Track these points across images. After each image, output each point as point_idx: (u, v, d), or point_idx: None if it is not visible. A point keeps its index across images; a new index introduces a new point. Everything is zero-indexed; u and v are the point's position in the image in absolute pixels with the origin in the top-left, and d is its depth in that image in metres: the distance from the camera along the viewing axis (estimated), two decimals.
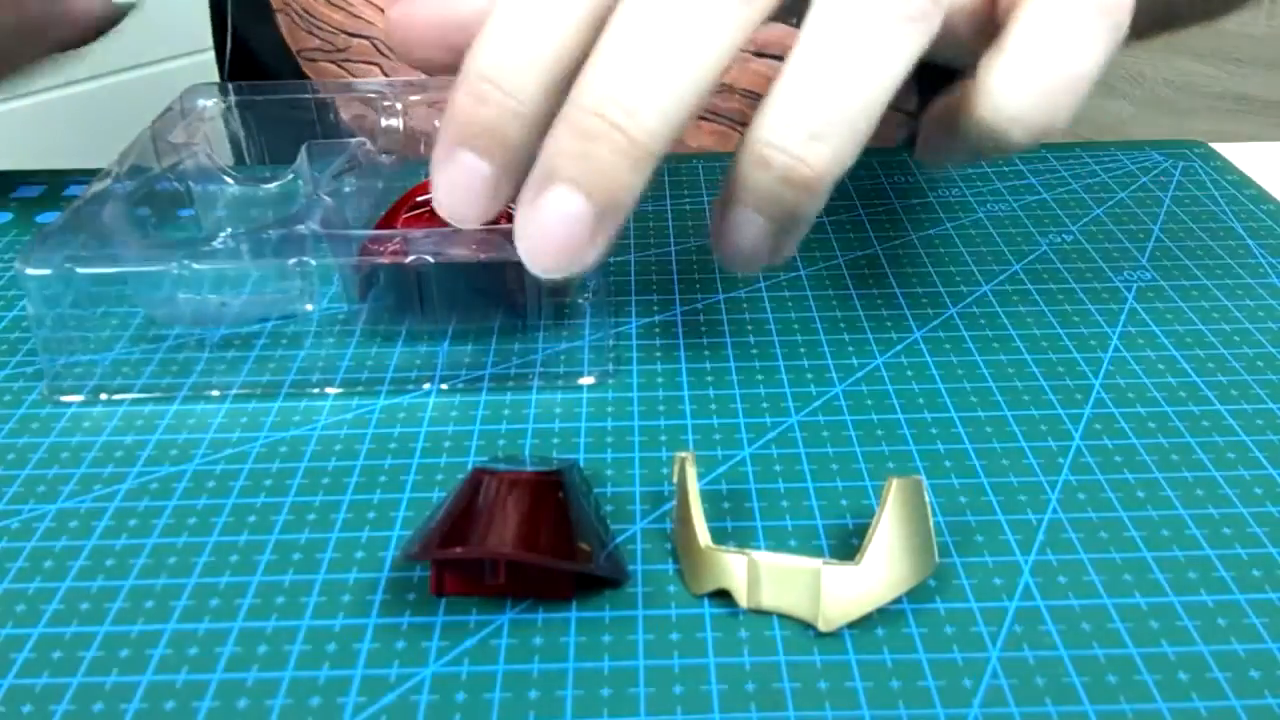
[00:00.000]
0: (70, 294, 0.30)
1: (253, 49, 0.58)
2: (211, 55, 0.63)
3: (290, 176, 0.36)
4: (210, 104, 0.39)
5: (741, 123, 0.51)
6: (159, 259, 0.29)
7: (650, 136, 0.23)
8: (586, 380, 0.31)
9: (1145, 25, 0.48)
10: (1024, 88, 0.25)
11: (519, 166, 0.26)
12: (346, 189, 0.36)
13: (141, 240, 0.31)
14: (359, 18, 0.52)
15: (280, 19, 0.55)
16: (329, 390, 0.31)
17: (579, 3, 0.25)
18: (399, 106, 0.38)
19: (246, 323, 0.33)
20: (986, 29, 0.27)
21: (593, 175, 0.24)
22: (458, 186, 0.26)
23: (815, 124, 0.24)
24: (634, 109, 0.23)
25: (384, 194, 0.38)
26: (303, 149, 0.36)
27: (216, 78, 0.63)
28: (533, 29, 0.25)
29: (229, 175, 0.37)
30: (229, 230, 0.30)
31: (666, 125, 0.24)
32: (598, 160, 0.23)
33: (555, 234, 0.24)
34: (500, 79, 0.25)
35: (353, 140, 0.36)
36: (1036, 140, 0.26)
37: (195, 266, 0.29)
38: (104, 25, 0.34)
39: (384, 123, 0.38)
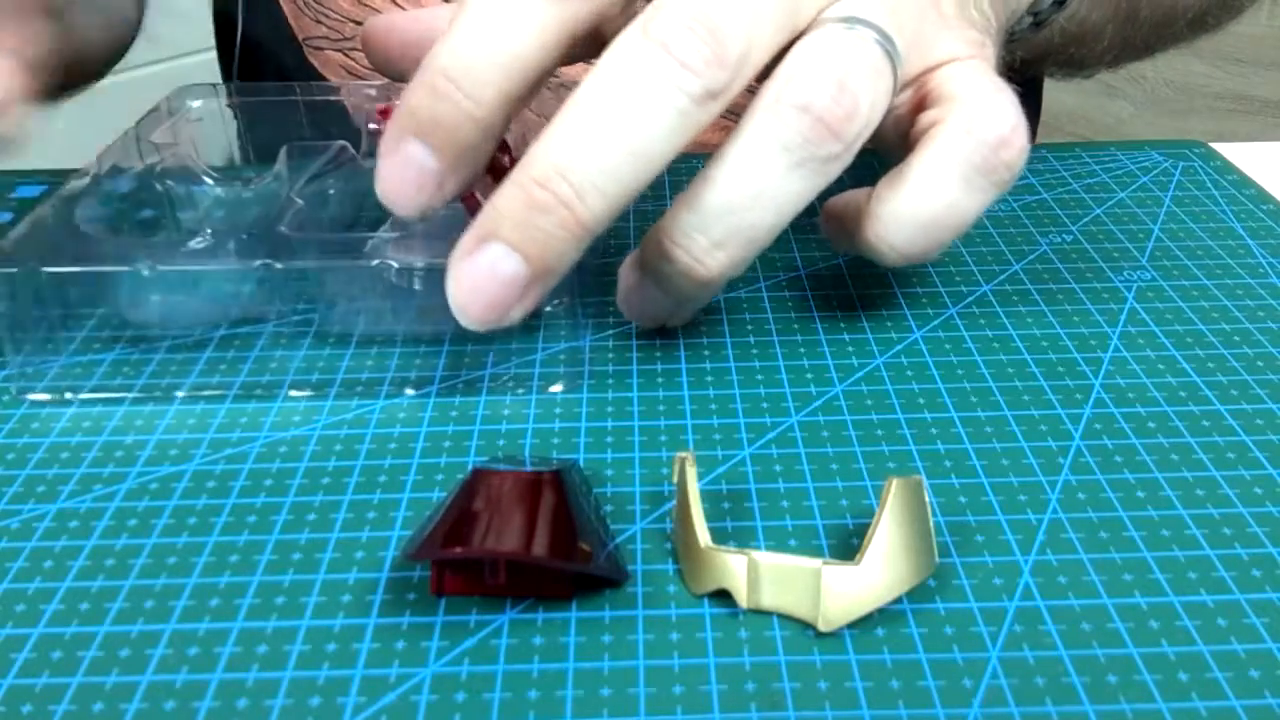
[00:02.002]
0: (43, 293, 0.30)
1: (258, 38, 0.58)
2: (213, 55, 0.63)
3: (271, 178, 0.36)
4: (198, 104, 0.39)
5: None
6: (126, 259, 0.28)
7: (593, 218, 0.25)
8: (556, 388, 0.31)
9: (1112, 60, 0.48)
10: (907, 226, 0.28)
11: (466, 166, 0.27)
12: (331, 191, 0.36)
13: (114, 240, 0.31)
14: (367, 6, 0.52)
15: (285, 6, 0.55)
16: (328, 391, 0.31)
17: (549, 18, 0.26)
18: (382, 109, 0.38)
19: (216, 324, 0.33)
20: (908, 138, 0.30)
21: (532, 243, 0.25)
22: (401, 176, 0.26)
23: (718, 235, 0.27)
24: (582, 190, 0.25)
25: (366, 196, 0.38)
26: (282, 150, 0.36)
27: (218, 77, 0.63)
28: (500, 35, 0.26)
29: (210, 176, 0.37)
30: (207, 231, 0.30)
31: (610, 208, 0.25)
32: (539, 231, 0.25)
33: (487, 290, 0.25)
34: (460, 80, 0.25)
35: (334, 143, 0.36)
36: (909, 264, 0.30)
37: (161, 268, 0.28)
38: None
39: (369, 126, 0.38)
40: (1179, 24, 0.47)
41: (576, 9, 0.26)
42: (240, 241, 0.29)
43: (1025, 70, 0.55)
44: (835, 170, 0.27)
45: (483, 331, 0.26)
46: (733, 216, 0.27)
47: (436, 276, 0.25)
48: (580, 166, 0.25)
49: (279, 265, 0.29)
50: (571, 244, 0.25)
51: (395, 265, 0.28)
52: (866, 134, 0.27)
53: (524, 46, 0.26)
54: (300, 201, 0.32)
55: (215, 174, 0.37)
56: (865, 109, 0.26)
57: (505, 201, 0.25)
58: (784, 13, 0.26)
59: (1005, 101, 0.29)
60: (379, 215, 0.38)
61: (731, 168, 0.26)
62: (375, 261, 0.28)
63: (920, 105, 0.30)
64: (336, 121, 0.39)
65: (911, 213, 0.28)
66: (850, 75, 0.26)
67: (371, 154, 0.37)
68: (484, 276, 0.25)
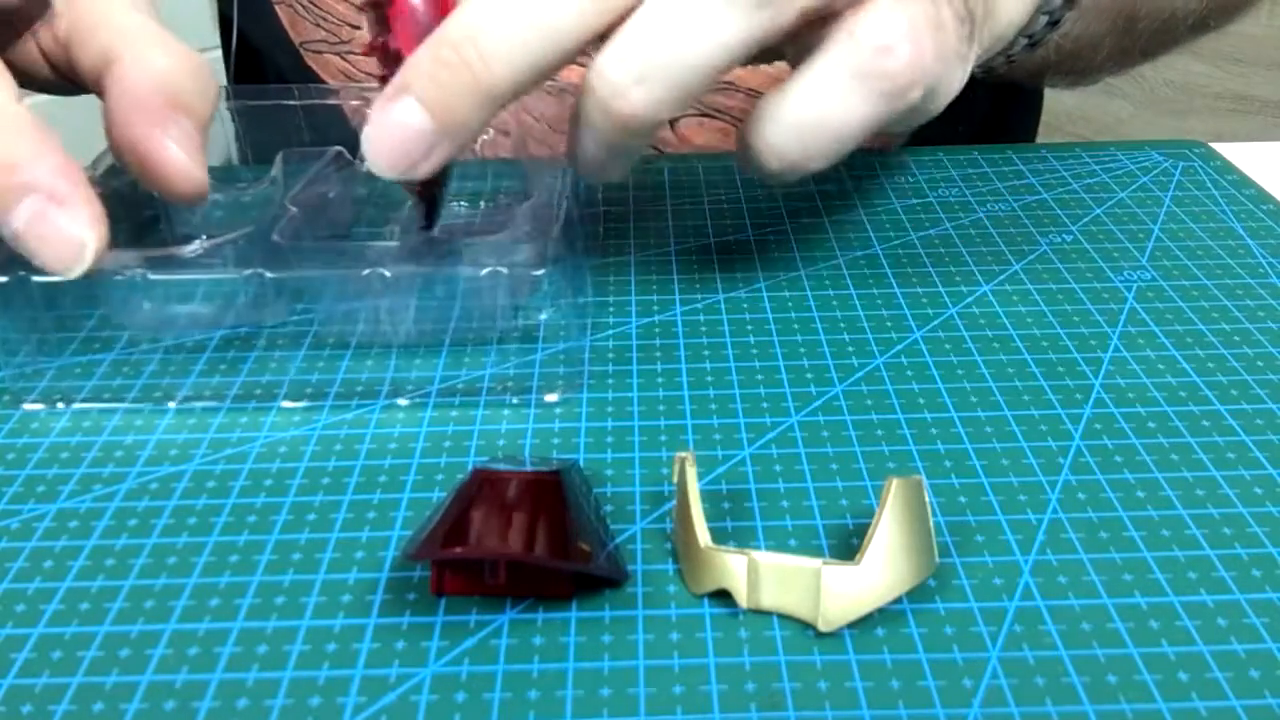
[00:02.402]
0: (36, 301, 0.30)
1: (255, 43, 0.58)
2: (215, 54, 0.63)
3: (267, 183, 0.36)
4: None
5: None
6: (117, 267, 0.28)
7: (496, 83, 0.25)
8: (552, 397, 0.31)
9: (1113, 68, 0.48)
10: (785, 128, 0.28)
11: (459, 137, 0.27)
12: (330, 195, 0.35)
13: (110, 246, 0.31)
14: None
15: (281, 11, 0.55)
16: (327, 394, 0.31)
17: (585, 6, 0.25)
18: None
19: (211, 330, 0.33)
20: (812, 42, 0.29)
21: (439, 100, 0.26)
22: (389, 134, 0.26)
23: (640, 68, 0.26)
24: (489, 55, 0.25)
25: (363, 202, 0.38)
26: (278, 156, 0.36)
27: (221, 76, 0.63)
28: (532, 12, 0.25)
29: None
30: (203, 236, 0.30)
31: (514, 78, 0.26)
32: (446, 89, 0.25)
33: (395, 140, 0.26)
34: (479, 51, 0.25)
35: (330, 149, 0.36)
36: (790, 171, 0.28)
37: (152, 276, 0.28)
38: None
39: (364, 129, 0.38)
40: (1179, 29, 0.47)
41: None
42: (235, 249, 0.29)
43: (1028, 83, 0.55)
44: (767, 19, 0.26)
45: (394, 180, 0.27)
46: (656, 50, 0.26)
47: (433, 283, 0.25)
48: (490, 33, 0.25)
49: (269, 275, 0.28)
50: (474, 106, 0.26)
51: (387, 274, 0.28)
52: None
53: (562, 22, 0.25)
54: (294, 209, 0.32)
55: (212, 177, 0.37)
56: None
57: (420, 58, 0.26)
58: None
59: (900, 15, 0.27)
60: (376, 220, 0.38)
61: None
62: (366, 271, 0.28)
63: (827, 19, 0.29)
64: (334, 125, 0.39)
65: (790, 115, 0.28)
66: None
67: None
68: (395, 127, 0.26)
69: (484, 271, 0.28)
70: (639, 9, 0.26)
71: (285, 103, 0.39)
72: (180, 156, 0.29)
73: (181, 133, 0.29)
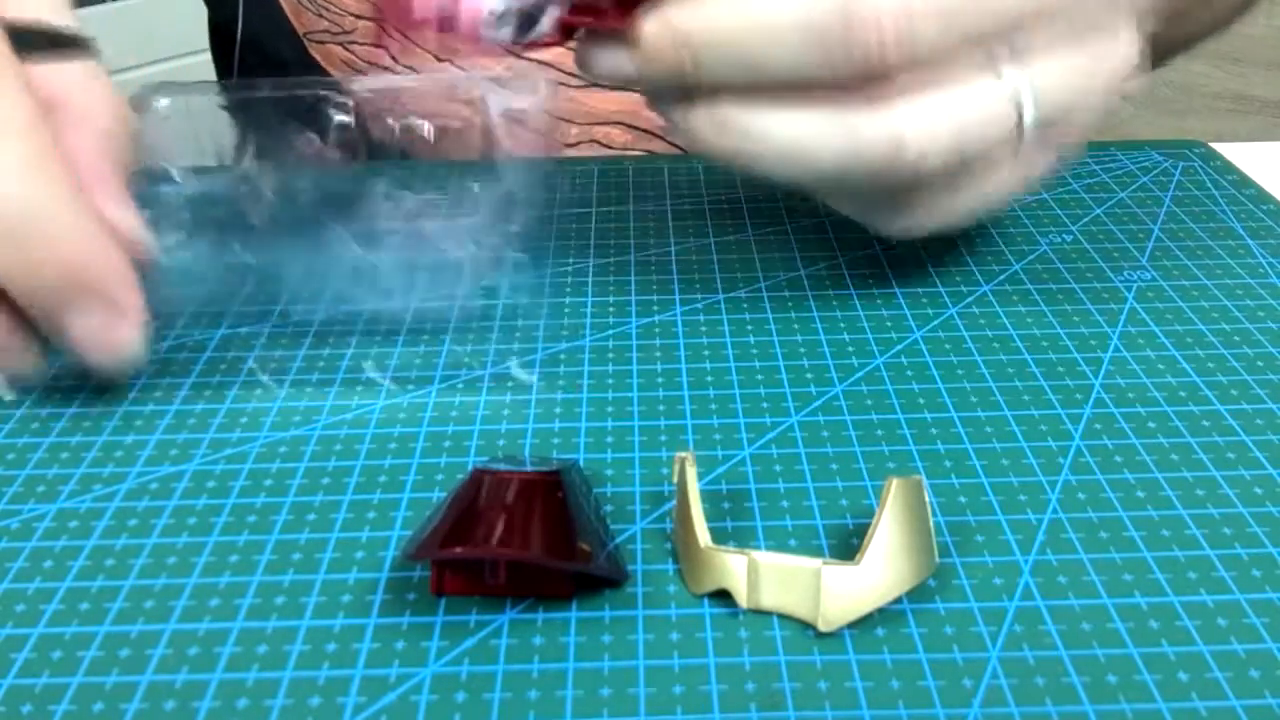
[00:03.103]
0: None
1: (258, 35, 0.58)
2: (202, 59, 0.63)
3: (241, 175, 0.36)
4: (165, 103, 0.38)
5: None
6: None
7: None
8: (551, 394, 0.31)
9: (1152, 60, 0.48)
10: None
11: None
12: (302, 184, 0.35)
13: None
14: None
15: (284, 2, 0.55)
16: (327, 390, 0.31)
17: None
18: (350, 103, 0.38)
19: (210, 331, 0.33)
20: None
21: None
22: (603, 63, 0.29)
23: (690, 36, 0.27)
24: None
25: (336, 189, 0.38)
26: (251, 146, 0.36)
27: (214, 77, 0.63)
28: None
29: (178, 175, 0.37)
30: (178, 232, 0.30)
31: None
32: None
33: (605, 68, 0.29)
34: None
35: (303, 136, 0.36)
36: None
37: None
38: None
39: (336, 118, 0.38)
40: (1205, 34, 0.47)
41: None
42: (212, 237, 0.29)
43: None
44: (846, 95, 0.26)
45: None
46: (715, 34, 0.27)
47: (409, 266, 0.26)
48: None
49: (249, 260, 0.29)
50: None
51: (376, 263, 0.29)
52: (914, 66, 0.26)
53: None
54: (270, 195, 0.32)
55: (184, 173, 0.37)
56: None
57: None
58: None
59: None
60: (349, 207, 0.38)
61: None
62: (344, 255, 0.29)
63: None
64: (308, 116, 0.39)
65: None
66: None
67: (340, 145, 0.37)
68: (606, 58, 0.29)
69: (455, 253, 0.28)
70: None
71: (258, 95, 0.39)
72: (136, 227, 0.29)
73: (126, 197, 0.29)
